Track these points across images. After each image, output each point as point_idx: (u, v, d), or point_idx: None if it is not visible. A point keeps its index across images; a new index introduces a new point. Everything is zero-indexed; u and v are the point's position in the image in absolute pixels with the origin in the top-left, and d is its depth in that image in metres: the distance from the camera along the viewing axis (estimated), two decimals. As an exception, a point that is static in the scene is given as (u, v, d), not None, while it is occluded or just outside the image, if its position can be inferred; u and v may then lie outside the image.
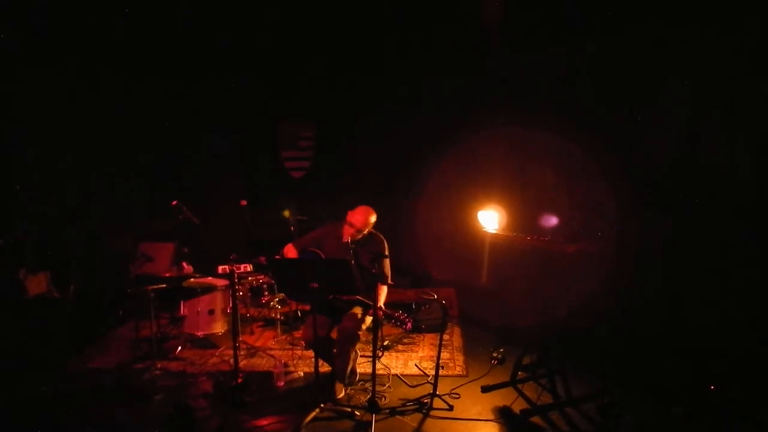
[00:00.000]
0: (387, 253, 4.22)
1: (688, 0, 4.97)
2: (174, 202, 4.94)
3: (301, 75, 7.48)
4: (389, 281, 4.22)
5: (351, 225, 4.11)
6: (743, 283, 4.41)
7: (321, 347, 3.96)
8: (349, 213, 4.15)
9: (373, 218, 4.17)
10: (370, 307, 3.88)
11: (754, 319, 4.26)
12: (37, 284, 6.22)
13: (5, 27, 5.63)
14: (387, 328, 5.39)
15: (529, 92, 6.36)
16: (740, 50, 4.65)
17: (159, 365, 4.72)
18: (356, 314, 4.06)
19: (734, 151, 4.82)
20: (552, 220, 5.33)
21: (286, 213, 5.88)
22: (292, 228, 5.77)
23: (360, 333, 4.04)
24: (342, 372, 4.08)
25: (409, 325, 3.76)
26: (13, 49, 5.71)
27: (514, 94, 6.55)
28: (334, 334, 4.14)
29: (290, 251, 4.34)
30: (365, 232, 4.16)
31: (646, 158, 5.60)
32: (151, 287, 4.86)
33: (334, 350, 4.09)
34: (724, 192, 4.81)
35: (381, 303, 4.00)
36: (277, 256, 4.33)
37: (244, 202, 5.24)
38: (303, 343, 4.96)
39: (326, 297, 3.88)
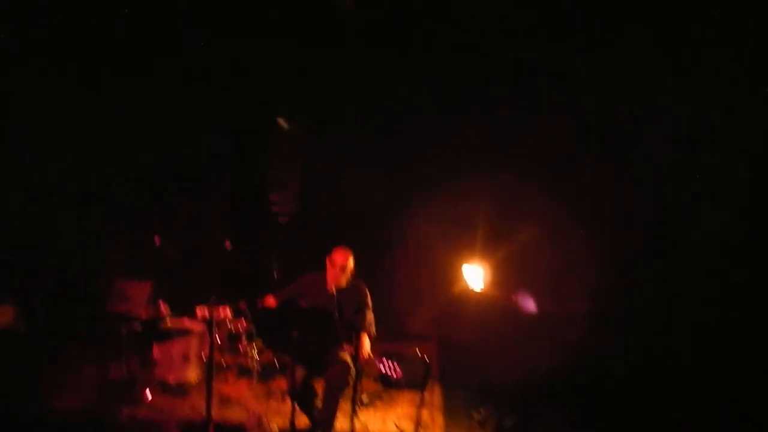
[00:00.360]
0: (369, 303, 4.20)
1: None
2: (156, 237, 4.86)
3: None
4: (372, 332, 4.17)
5: (332, 265, 4.15)
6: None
7: (302, 397, 3.85)
8: (329, 256, 4.20)
9: (351, 259, 4.20)
10: (354, 357, 3.82)
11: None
12: (2, 315, 5.99)
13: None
14: (365, 383, 5.25)
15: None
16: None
17: (126, 411, 4.50)
18: (345, 361, 3.97)
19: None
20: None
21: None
22: (275, 273, 5.68)
23: (350, 380, 3.94)
24: (328, 423, 3.94)
25: (399, 372, 3.70)
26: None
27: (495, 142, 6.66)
28: (315, 385, 4.03)
29: (270, 302, 4.27)
30: (347, 273, 4.16)
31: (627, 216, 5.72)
32: (124, 327, 4.70)
33: (319, 400, 3.97)
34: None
35: (367, 350, 3.97)
36: (258, 303, 4.26)
37: (228, 244, 5.17)
38: (279, 394, 4.85)
39: (309, 346, 3.79)
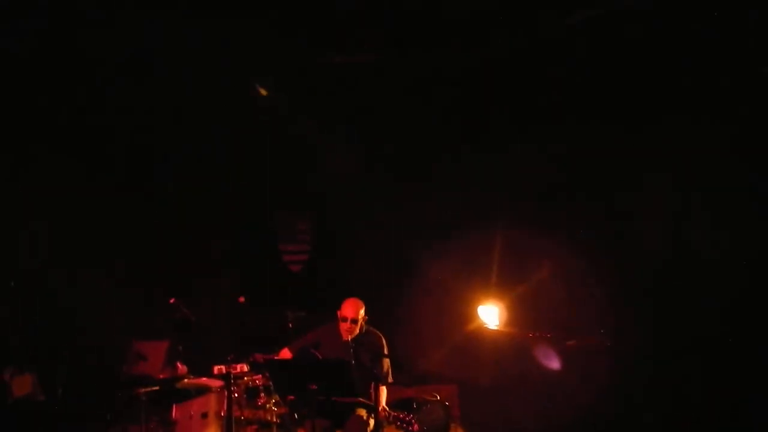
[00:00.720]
0: (386, 350, 4.19)
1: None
2: (172, 300, 4.91)
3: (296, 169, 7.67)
4: (390, 380, 4.14)
5: (344, 319, 4.12)
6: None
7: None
8: (340, 310, 4.18)
9: (362, 309, 4.19)
10: (372, 408, 3.78)
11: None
12: (22, 385, 6.00)
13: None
14: (387, 430, 5.18)
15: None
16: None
17: (147, 475, 4.47)
18: (361, 416, 3.94)
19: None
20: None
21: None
22: (290, 324, 5.68)
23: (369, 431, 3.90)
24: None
25: (416, 426, 3.66)
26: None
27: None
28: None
29: (285, 355, 4.27)
30: (360, 324, 4.15)
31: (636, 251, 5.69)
32: (143, 390, 4.70)
33: None
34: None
35: (383, 404, 3.92)
36: (274, 357, 4.26)
37: (242, 299, 5.21)
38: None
39: (326, 398, 3.76)
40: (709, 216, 5.03)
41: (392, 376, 4.20)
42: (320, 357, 4.16)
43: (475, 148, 6.88)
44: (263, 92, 6.76)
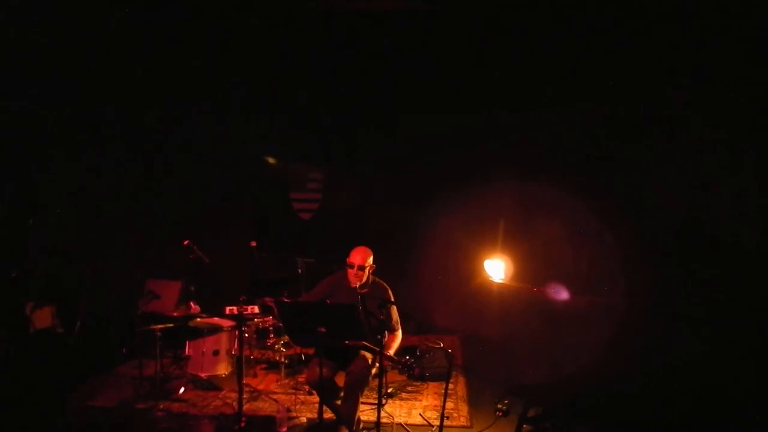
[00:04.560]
0: (392, 299, 4.27)
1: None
2: (186, 242, 5.02)
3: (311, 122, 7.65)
4: (398, 328, 4.25)
5: (352, 265, 4.22)
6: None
7: (325, 390, 3.94)
8: (348, 258, 4.27)
9: (370, 258, 4.28)
10: (377, 353, 3.88)
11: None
12: (42, 318, 6.25)
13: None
14: (391, 375, 5.35)
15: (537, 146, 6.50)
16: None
17: (161, 406, 4.69)
18: (366, 358, 4.06)
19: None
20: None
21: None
22: (299, 270, 5.81)
23: (369, 378, 4.03)
24: (350, 418, 4.03)
25: (417, 370, 3.78)
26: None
27: (522, 147, 6.69)
28: (338, 380, 4.13)
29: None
30: (367, 271, 4.24)
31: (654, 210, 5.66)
32: (158, 326, 4.87)
33: (342, 394, 4.06)
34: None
35: (392, 350, 4.05)
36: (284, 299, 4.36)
37: (253, 243, 5.29)
38: (306, 387, 4.97)
39: (333, 342, 3.88)
40: (728, 181, 4.98)
41: (400, 326, 4.31)
42: (329, 302, 4.27)
43: (489, 104, 6.79)
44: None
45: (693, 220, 5.26)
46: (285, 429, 4.31)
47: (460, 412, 4.71)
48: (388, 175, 7.57)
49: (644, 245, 5.61)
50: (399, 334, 4.25)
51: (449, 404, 4.79)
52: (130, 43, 5.54)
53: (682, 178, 5.41)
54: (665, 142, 5.58)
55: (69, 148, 6.48)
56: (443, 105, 7.07)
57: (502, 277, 5.16)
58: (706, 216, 5.18)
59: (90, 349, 6.12)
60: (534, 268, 6.00)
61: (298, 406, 4.74)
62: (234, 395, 4.60)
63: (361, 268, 4.20)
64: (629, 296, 5.54)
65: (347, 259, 4.26)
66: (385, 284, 4.36)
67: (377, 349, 3.80)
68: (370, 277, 4.32)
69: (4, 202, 6.23)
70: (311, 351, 4.97)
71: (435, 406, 4.78)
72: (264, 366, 5.82)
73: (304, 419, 4.51)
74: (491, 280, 5.79)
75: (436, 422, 4.22)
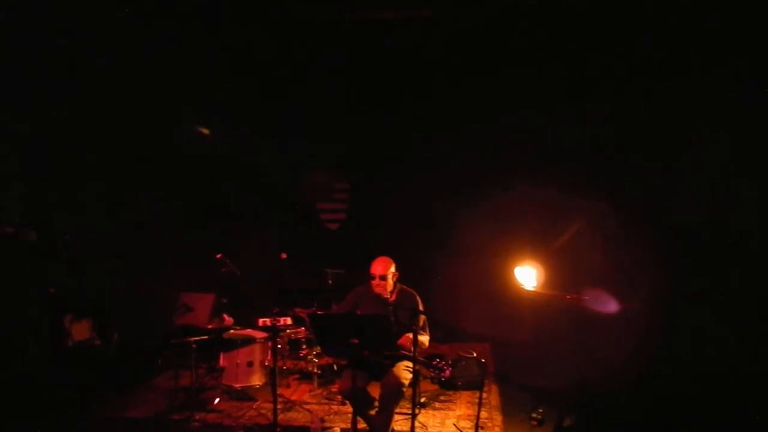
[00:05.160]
0: (421, 307, 4.27)
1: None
2: (219, 255, 5.10)
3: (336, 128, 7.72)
4: (426, 332, 4.25)
5: (374, 276, 4.24)
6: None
7: (359, 401, 3.95)
8: (369, 269, 4.29)
9: (392, 267, 4.30)
10: (410, 360, 3.88)
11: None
12: (80, 331, 6.42)
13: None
14: (423, 384, 5.34)
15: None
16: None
17: (196, 417, 4.76)
18: (400, 369, 4.06)
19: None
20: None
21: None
22: (329, 281, 5.85)
23: (405, 390, 4.03)
24: (383, 430, 4.03)
25: (448, 372, 3.76)
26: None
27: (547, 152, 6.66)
28: (371, 389, 4.14)
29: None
30: (390, 280, 4.25)
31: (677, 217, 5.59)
32: (193, 338, 4.95)
33: (376, 404, 4.07)
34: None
35: (425, 344, 4.04)
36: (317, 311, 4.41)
37: (284, 255, 5.36)
38: (339, 397, 5.00)
39: (366, 353, 3.89)
40: (750, 184, 4.91)
41: (428, 332, 4.30)
42: (359, 313, 4.29)
43: (511, 109, 6.78)
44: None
45: (715, 223, 5.19)
46: (319, 439, 4.34)
47: (494, 422, 4.67)
48: (416, 182, 7.58)
49: (667, 248, 5.56)
50: (426, 337, 4.23)
51: (483, 413, 4.74)
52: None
53: (702, 181, 5.35)
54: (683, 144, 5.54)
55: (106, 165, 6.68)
56: (471, 109, 7.10)
57: (534, 284, 5.09)
58: (729, 218, 5.11)
59: (126, 361, 6.25)
60: (562, 273, 5.95)
61: (331, 417, 4.76)
62: (268, 406, 4.64)
63: (383, 277, 4.22)
64: (652, 300, 5.49)
65: (369, 271, 4.28)
66: (413, 291, 4.37)
67: (408, 354, 3.80)
68: (396, 285, 4.34)
69: (42, 217, 6.43)
70: (344, 361, 4.99)
71: (468, 415, 4.76)
72: (297, 376, 5.86)
73: (337, 429, 4.53)
74: (521, 287, 5.73)
75: (471, 432, 4.20)
